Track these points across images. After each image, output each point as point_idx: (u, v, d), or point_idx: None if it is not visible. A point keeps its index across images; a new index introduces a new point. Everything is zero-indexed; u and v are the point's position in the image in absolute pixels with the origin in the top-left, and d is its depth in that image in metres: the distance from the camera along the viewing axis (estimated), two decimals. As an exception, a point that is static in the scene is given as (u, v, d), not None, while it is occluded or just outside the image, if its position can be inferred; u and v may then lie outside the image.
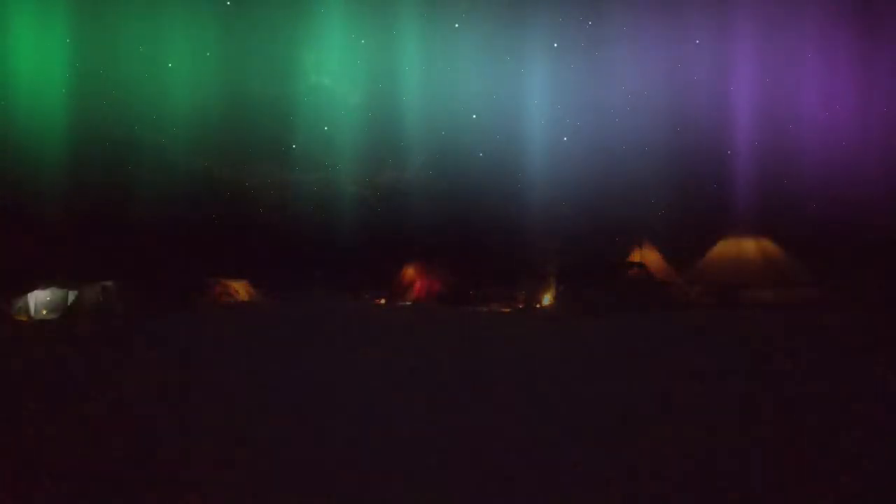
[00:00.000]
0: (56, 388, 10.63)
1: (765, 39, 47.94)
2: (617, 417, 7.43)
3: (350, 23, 47.64)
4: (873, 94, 44.31)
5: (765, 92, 49.07)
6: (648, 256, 22.93)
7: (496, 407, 8.14)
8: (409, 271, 24.26)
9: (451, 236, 36.00)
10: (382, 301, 23.86)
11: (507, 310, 19.24)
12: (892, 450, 6.01)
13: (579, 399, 8.46)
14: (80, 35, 44.66)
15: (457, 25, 49.01)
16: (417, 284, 23.68)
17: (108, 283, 25.68)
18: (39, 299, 24.37)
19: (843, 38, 45.10)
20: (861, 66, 45.13)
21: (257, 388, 9.97)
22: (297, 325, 19.06)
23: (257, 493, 5.54)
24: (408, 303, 23.36)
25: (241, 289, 31.19)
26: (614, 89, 49.73)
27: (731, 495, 5.10)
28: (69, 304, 24.22)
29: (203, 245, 38.11)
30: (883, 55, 44.16)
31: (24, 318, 23.41)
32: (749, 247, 19.44)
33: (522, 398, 8.56)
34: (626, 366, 10.55)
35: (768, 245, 19.65)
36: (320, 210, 44.23)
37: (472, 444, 6.61)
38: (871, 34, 43.83)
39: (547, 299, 19.73)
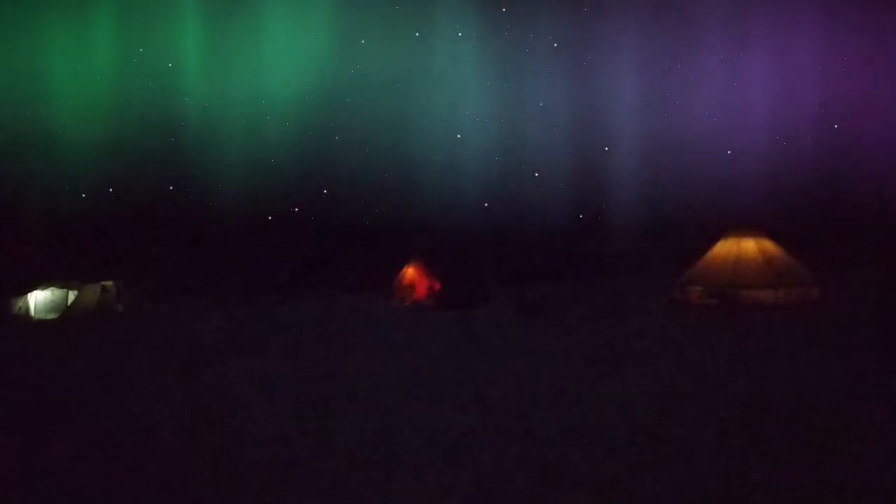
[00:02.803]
0: (56, 388, 10.63)
1: (766, 39, 47.97)
2: (617, 416, 7.42)
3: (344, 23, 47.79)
4: (876, 95, 44.33)
5: (766, 91, 49.10)
6: None
7: (494, 407, 8.15)
8: (410, 271, 24.14)
9: (452, 235, 36.00)
10: (382, 302, 23.78)
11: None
12: (893, 450, 6.01)
13: (579, 399, 8.47)
14: (78, 35, 44.65)
15: (460, 34, 49.07)
16: (418, 285, 23.60)
17: (108, 283, 25.66)
18: (39, 299, 24.36)
19: (846, 36, 45.08)
20: (863, 66, 45.14)
21: (259, 389, 9.97)
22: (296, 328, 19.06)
23: (258, 493, 5.54)
24: (407, 304, 23.29)
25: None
26: (614, 89, 49.77)
27: (731, 495, 5.10)
28: (69, 304, 24.21)
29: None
30: (886, 56, 44.15)
31: (23, 318, 23.43)
32: (749, 247, 19.37)
33: (522, 397, 8.56)
34: (627, 366, 10.54)
35: (768, 245, 19.58)
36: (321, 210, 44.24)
37: (471, 444, 6.61)
38: (874, 33, 43.81)
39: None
